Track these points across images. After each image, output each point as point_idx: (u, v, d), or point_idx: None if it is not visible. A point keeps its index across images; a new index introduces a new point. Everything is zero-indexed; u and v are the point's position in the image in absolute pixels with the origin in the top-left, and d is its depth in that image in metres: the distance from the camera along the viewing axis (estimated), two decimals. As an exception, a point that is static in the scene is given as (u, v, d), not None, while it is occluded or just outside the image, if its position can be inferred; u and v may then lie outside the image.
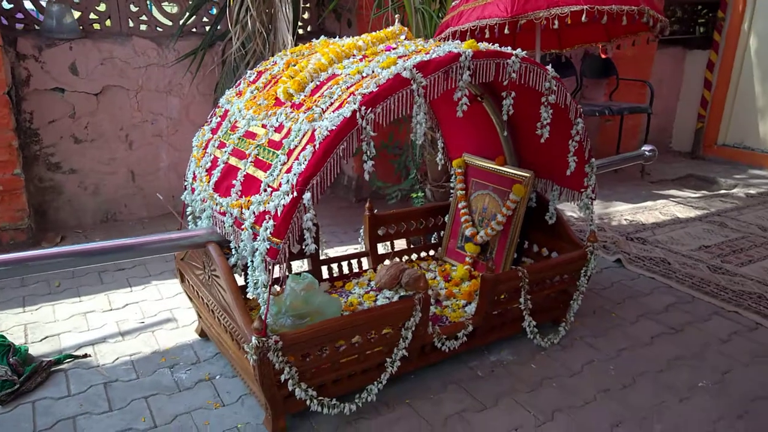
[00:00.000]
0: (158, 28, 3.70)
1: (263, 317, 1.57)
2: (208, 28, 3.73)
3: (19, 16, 3.36)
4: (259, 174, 1.67)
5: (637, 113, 5.27)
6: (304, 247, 1.56)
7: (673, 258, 3.33)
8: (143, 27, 3.66)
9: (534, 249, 2.65)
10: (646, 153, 3.09)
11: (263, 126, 1.79)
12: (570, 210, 3.95)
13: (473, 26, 2.22)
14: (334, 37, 2.22)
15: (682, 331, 2.51)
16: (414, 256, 2.86)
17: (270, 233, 1.54)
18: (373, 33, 2.01)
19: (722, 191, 4.93)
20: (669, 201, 4.54)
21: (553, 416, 1.92)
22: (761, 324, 2.57)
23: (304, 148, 1.55)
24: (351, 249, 3.22)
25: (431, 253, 2.91)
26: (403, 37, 2.00)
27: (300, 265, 2.63)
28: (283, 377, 1.64)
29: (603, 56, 4.85)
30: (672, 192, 4.82)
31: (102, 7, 3.55)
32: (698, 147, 6.27)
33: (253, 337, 1.55)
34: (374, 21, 3.26)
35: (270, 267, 1.55)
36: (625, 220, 4.03)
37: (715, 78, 6.06)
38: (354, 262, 2.67)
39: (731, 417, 1.94)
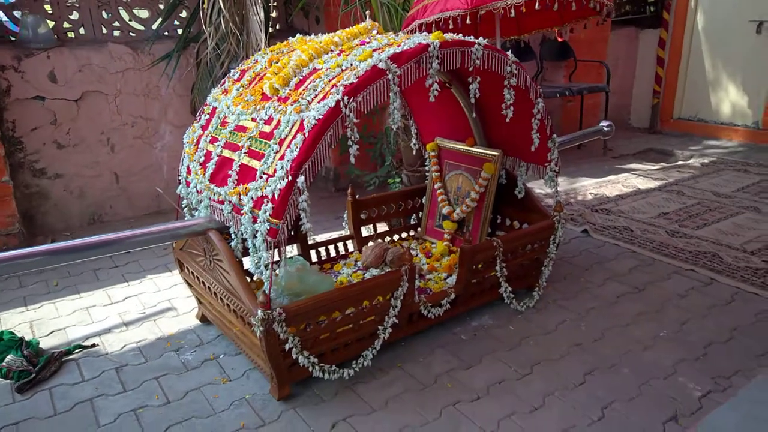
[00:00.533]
0: (131, 33, 3.77)
1: (267, 292, 1.73)
2: (180, 31, 3.82)
3: (-7, 27, 3.40)
4: (254, 163, 1.83)
5: (595, 92, 5.55)
6: (300, 225, 1.72)
7: (635, 226, 3.60)
8: (117, 33, 3.73)
9: (507, 223, 2.86)
10: (604, 128, 3.32)
11: (253, 120, 1.94)
12: (539, 187, 4.19)
13: (438, 18, 2.39)
14: (305, 34, 2.37)
15: (644, 290, 2.75)
16: (396, 237, 3.05)
17: (269, 215, 1.70)
18: (348, 29, 2.17)
19: (679, 162, 5.25)
20: (630, 174, 4.82)
21: (532, 369, 2.13)
22: (715, 279, 2.84)
23: (294, 137, 1.71)
24: (335, 235, 3.37)
25: (411, 233, 3.10)
26: (375, 32, 2.17)
27: (290, 250, 2.77)
28: (287, 346, 1.81)
29: (560, 40, 5.08)
30: (633, 166, 5.11)
31: (75, 16, 3.60)
32: (656, 122, 6.60)
33: (259, 311, 1.71)
34: (342, 17, 3.41)
35: (271, 245, 1.70)
36: (590, 194, 4.29)
37: (667, 55, 6.39)
38: (340, 245, 2.83)
39: (690, 359, 2.18)
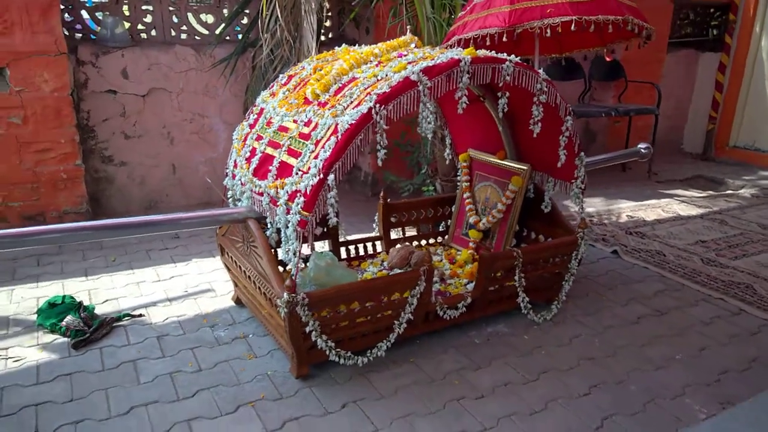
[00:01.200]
0: (197, 37, 4.10)
1: (293, 278, 1.90)
2: (240, 36, 4.11)
3: (78, 27, 3.79)
4: (292, 160, 2.02)
5: (644, 114, 5.48)
6: (327, 220, 1.89)
7: (668, 251, 3.57)
8: (184, 36, 4.07)
9: (532, 236, 2.94)
10: (642, 150, 3.34)
11: (294, 121, 2.14)
12: (571, 205, 4.21)
13: (476, 35, 2.52)
14: (354, 44, 2.56)
15: (667, 314, 2.76)
16: (423, 242, 3.18)
17: (301, 208, 1.88)
18: (388, 42, 2.34)
19: (729, 191, 5.11)
20: (673, 200, 4.75)
21: (539, 376, 2.21)
22: (744, 310, 2.80)
23: (328, 139, 1.89)
24: (367, 236, 3.55)
25: (439, 240, 3.22)
26: (413, 45, 2.33)
27: (322, 246, 2.96)
28: (308, 329, 1.97)
29: (608, 59, 5.09)
30: (678, 192, 5.02)
31: (148, 19, 3.96)
32: (710, 148, 6.43)
33: (285, 293, 1.89)
34: (390, 29, 3.59)
35: (300, 235, 1.88)
36: (627, 216, 4.27)
37: (727, 80, 6.22)
38: (369, 245, 2.99)
39: (701, 384, 2.19)
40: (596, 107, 5.36)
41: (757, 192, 5.01)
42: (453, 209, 3.17)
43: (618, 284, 3.06)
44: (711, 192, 5.09)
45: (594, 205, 4.52)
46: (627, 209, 4.43)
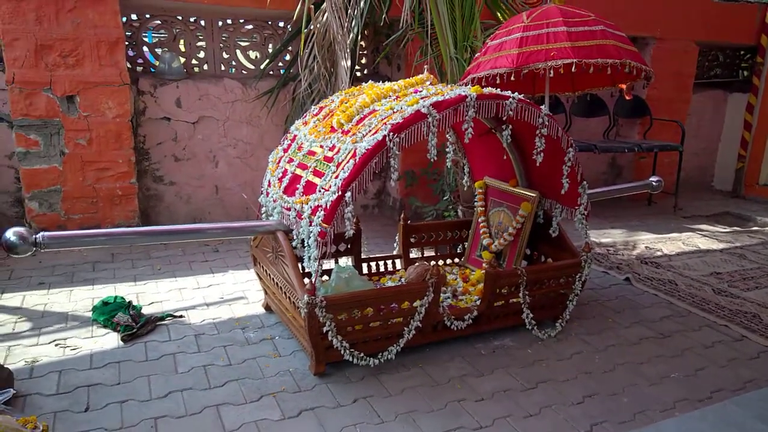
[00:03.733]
0: (243, 71, 4.54)
1: (313, 281, 2.17)
2: (282, 71, 4.53)
3: (140, 61, 4.29)
4: (316, 180, 2.31)
5: (668, 151, 5.60)
6: (348, 237, 2.17)
7: (681, 280, 3.66)
8: (232, 70, 4.51)
9: (542, 259, 3.13)
10: (653, 183, 3.50)
11: (321, 146, 2.45)
12: (594, 236, 4.36)
13: (488, 74, 2.80)
14: (387, 79, 2.87)
15: (670, 336, 2.87)
16: (441, 262, 3.40)
17: (321, 220, 2.16)
18: (407, 79, 2.64)
19: (754, 228, 5.12)
20: (695, 234, 4.81)
21: (537, 385, 2.38)
22: (746, 336, 2.89)
23: (348, 161, 2.18)
24: (387, 254, 3.81)
25: (456, 261, 3.44)
26: (428, 83, 2.62)
27: (346, 261, 3.23)
28: (324, 329, 2.23)
29: (627, 98, 5.27)
30: (702, 226, 5.07)
31: (201, 54, 4.43)
32: (739, 186, 6.43)
33: (306, 296, 2.16)
34: (417, 66, 3.91)
35: (320, 244, 2.15)
36: (646, 246, 4.37)
37: (756, 120, 6.27)
38: (389, 262, 3.24)
39: (693, 400, 2.31)
40: (620, 143, 5.52)
41: (783, 229, 5.00)
42: (469, 232, 3.40)
43: (626, 308, 3.19)
44: (737, 228, 5.11)
45: (614, 235, 4.64)
46: (647, 240, 4.52)
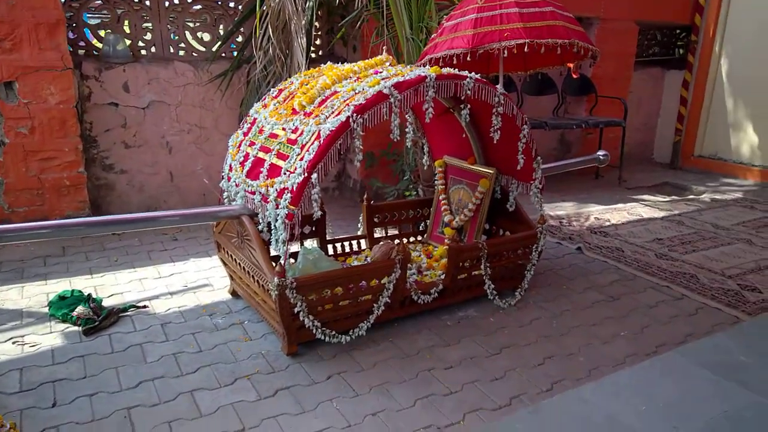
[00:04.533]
0: (194, 54, 4.41)
1: (282, 264, 2.19)
2: (235, 53, 4.43)
3: (82, 44, 4.09)
4: (280, 163, 2.32)
5: (612, 126, 5.87)
6: (315, 219, 2.19)
7: (627, 247, 3.90)
8: (182, 53, 4.37)
9: (500, 232, 3.26)
10: (600, 157, 3.68)
11: (283, 129, 2.44)
12: (548, 209, 4.54)
13: (444, 54, 2.85)
14: (343, 61, 2.87)
15: (618, 299, 3.08)
16: (404, 240, 3.48)
17: (288, 203, 2.17)
18: (366, 60, 2.66)
19: (691, 196, 5.48)
20: (639, 204, 5.10)
21: (501, 351, 2.51)
22: (686, 295, 3.13)
23: (312, 143, 2.20)
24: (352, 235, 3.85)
25: (418, 238, 3.53)
26: (388, 64, 2.65)
27: (311, 243, 3.25)
28: (296, 310, 2.26)
29: (575, 76, 5.48)
30: (645, 197, 5.38)
31: (148, 36, 4.27)
32: (677, 158, 6.83)
33: (275, 278, 2.18)
34: (374, 47, 3.93)
35: (288, 226, 2.17)
36: (594, 218, 4.61)
37: (690, 95, 6.65)
38: (354, 242, 3.29)
39: (641, 354, 2.51)
40: (569, 120, 5.74)
41: (717, 197, 5.38)
42: (431, 210, 3.49)
43: (578, 276, 3.38)
44: (675, 197, 5.45)
45: (565, 208, 4.86)
46: (595, 212, 4.77)
